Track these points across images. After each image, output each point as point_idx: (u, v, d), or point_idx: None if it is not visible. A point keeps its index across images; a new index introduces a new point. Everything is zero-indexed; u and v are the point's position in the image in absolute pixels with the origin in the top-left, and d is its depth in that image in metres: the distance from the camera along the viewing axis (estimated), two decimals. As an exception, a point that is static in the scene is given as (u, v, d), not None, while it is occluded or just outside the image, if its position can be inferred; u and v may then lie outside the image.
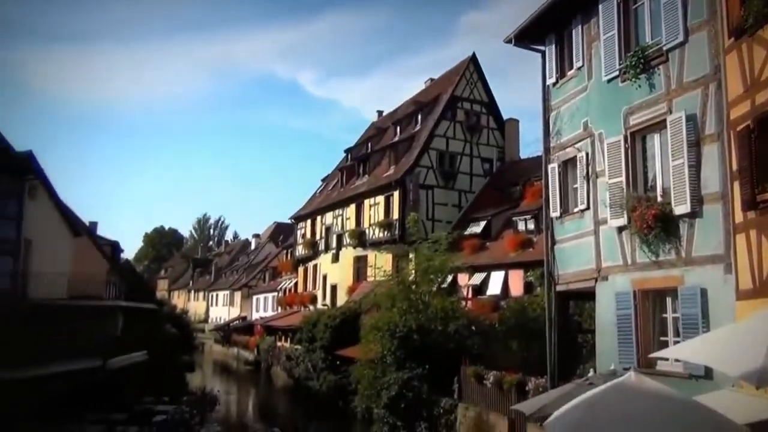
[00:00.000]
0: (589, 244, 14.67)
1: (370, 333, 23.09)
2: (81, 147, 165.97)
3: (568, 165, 15.95)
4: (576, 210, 15.36)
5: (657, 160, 12.93)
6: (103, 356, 18.35)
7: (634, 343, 12.91)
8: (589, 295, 15.43)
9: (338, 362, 29.13)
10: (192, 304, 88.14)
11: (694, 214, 11.69)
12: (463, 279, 26.48)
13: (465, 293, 26.42)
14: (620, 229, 13.52)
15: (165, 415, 17.63)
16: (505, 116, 37.83)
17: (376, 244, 34.34)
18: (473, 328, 21.94)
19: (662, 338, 12.62)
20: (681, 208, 11.86)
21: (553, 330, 15.76)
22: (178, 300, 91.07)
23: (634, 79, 13.22)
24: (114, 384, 21.46)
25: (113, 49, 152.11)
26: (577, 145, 15.40)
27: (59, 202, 27.61)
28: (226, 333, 67.30)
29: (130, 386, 23.49)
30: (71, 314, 20.72)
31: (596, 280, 14.40)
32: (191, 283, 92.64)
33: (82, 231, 32.21)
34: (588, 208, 14.81)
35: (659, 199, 12.61)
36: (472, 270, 26.22)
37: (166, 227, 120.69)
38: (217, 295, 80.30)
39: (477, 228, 29.93)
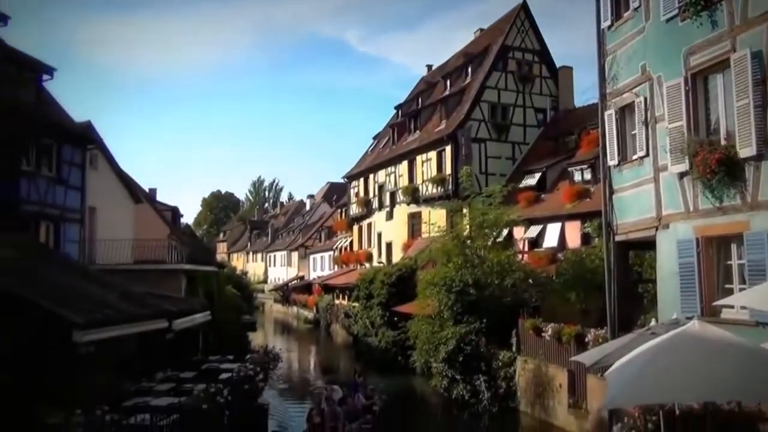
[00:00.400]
0: (649, 192, 14.27)
1: (427, 288, 23.21)
2: (136, 116, 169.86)
3: (625, 111, 15.45)
4: (635, 157, 14.92)
5: (720, 102, 12.40)
6: (168, 318, 18.93)
7: (697, 291, 12.61)
8: (649, 245, 15.10)
9: (396, 318, 29.46)
10: (250, 266, 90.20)
11: (761, 156, 11.19)
12: (518, 232, 26.26)
13: (521, 246, 26.22)
14: (681, 176, 13.09)
15: (230, 373, 18.15)
16: (558, 64, 36.82)
17: (430, 201, 34.25)
18: (530, 281, 21.83)
19: (727, 286, 12.29)
20: (746, 151, 11.38)
21: (612, 280, 15.49)
22: (237, 262, 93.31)
23: (694, 17, 12.60)
24: (180, 344, 22.24)
25: (162, 17, 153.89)
26: (634, 90, 14.87)
27: (119, 171, 28.41)
28: (285, 293, 68.81)
29: (195, 346, 24.33)
30: (137, 278, 21.44)
31: (657, 229, 14.04)
32: (249, 245, 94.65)
33: (143, 198, 33.16)
34: (647, 154, 14.37)
35: (723, 142, 12.12)
36: (528, 223, 25.95)
37: (223, 191, 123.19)
38: (274, 256, 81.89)
39: (532, 180, 29.48)
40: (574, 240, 23.85)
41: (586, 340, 16.37)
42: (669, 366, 7.71)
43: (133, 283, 20.24)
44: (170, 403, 13.98)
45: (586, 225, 23.08)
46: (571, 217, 24.24)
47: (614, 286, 15.52)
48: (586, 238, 23.22)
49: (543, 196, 27.83)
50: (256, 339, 35.96)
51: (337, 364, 35.57)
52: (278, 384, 25.46)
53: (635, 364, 8.30)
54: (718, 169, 11.83)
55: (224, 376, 17.94)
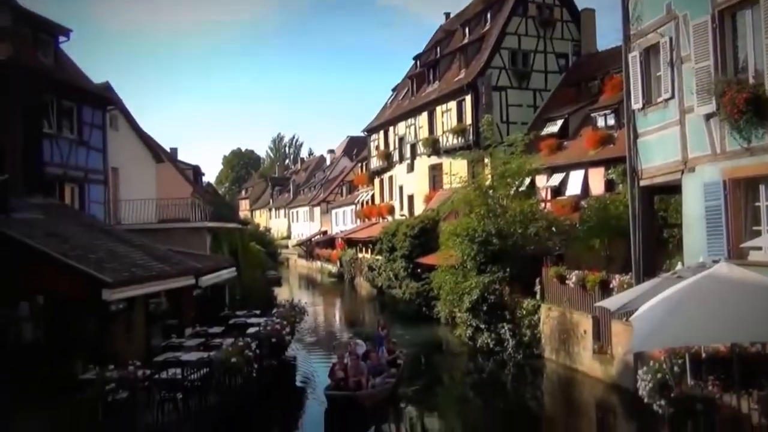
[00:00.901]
0: (675, 135, 13.97)
1: (449, 239, 23.22)
2: (154, 76, 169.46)
3: (650, 52, 15.04)
4: (660, 100, 14.58)
5: (748, 40, 12.00)
6: (195, 275, 19.20)
7: (724, 234, 12.43)
8: (674, 189, 14.88)
9: (419, 270, 29.61)
10: (273, 222, 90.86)
11: (791, 94, 10.87)
12: (540, 181, 26.03)
13: (543, 195, 26.03)
14: (708, 117, 12.78)
15: (257, 327, 18.44)
16: (579, 7, 35.82)
17: (451, 151, 33.98)
18: (553, 229, 21.72)
19: (754, 228, 12.10)
20: (776, 89, 11.05)
21: (637, 226, 15.33)
22: (260, 219, 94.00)
23: (721, -49, 12.11)
24: (208, 300, 22.62)
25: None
26: (659, 30, 14.43)
27: (140, 131, 28.53)
28: (309, 248, 69.36)
29: (222, 302, 24.74)
30: (162, 237, 21.70)
31: (683, 172, 13.79)
32: (271, 201, 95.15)
33: (164, 157, 33.33)
34: (672, 96, 14.02)
35: (751, 81, 11.78)
36: (550, 171, 25.69)
37: (243, 149, 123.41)
38: (297, 212, 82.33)
39: (554, 127, 29.05)
40: (597, 187, 23.59)
41: (611, 286, 16.33)
42: (695, 308, 7.66)
43: (158, 242, 20.49)
44: (200, 358, 14.26)
45: (609, 171, 22.77)
46: (595, 163, 23.93)
47: (639, 231, 15.37)
48: (609, 185, 22.94)
49: (565, 143, 27.45)
50: (282, 294, 36.46)
51: (362, 317, 35.98)
52: (305, 337, 25.86)
53: (661, 307, 8.26)
54: (746, 109, 11.52)
55: (251, 330, 18.23)
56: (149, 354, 17.19)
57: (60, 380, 12.74)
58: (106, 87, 26.44)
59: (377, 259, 37.99)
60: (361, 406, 14.84)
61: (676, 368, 10.10)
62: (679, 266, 11.89)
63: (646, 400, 10.43)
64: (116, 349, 15.11)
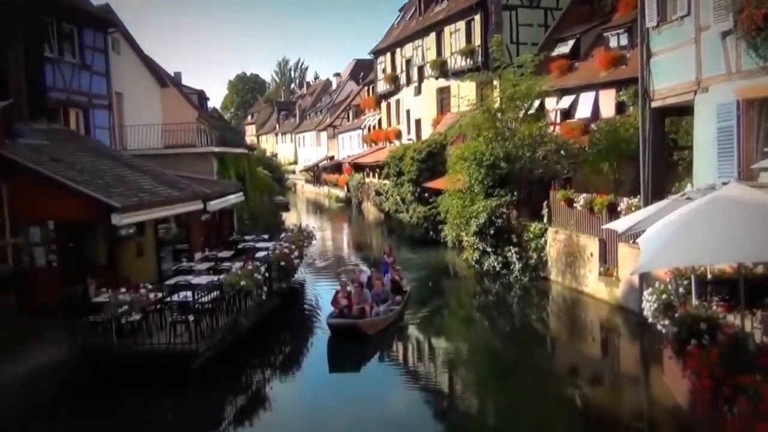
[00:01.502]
0: (689, 54, 13.60)
1: (457, 163, 23.09)
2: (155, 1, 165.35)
3: (666, -33, 14.46)
4: (675, 17, 14.12)
5: (770, -48, 11.46)
6: (203, 200, 19.26)
7: (734, 155, 12.27)
8: (686, 110, 14.62)
9: (426, 194, 29.61)
10: (280, 147, 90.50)
11: (811, 10, 10.47)
12: (550, 103, 25.60)
13: (553, 118, 25.65)
14: (724, 35, 12.39)
15: (266, 252, 18.61)
16: None
17: (459, 74, 33.28)
18: (562, 152, 21.49)
19: (766, 149, 11.92)
20: (796, 5, 10.65)
21: (647, 148, 15.16)
22: (266, 144, 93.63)
23: None
24: (216, 225, 22.80)
25: None
26: (676, -57, 13.84)
27: (142, 55, 28.02)
28: (316, 173, 69.34)
29: (231, 226, 24.92)
30: (169, 163, 21.66)
31: (696, 93, 13.51)
32: (277, 126, 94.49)
33: (168, 82, 32.88)
34: (688, 13, 13.57)
35: (771, -4, 11.33)
36: (560, 93, 25.21)
37: (248, 73, 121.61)
38: (303, 137, 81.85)
39: (565, 48, 28.30)
40: (608, 109, 23.19)
41: (619, 209, 16.29)
42: (703, 229, 7.64)
43: (164, 167, 20.47)
44: (210, 281, 14.48)
45: (621, 93, 22.32)
46: (606, 85, 23.44)
47: (649, 154, 15.22)
48: (620, 107, 22.55)
49: (576, 64, 26.82)
50: (290, 218, 36.71)
51: (369, 241, 36.29)
52: (313, 261, 26.16)
53: (669, 228, 8.26)
54: (764, 26, 11.13)
55: (260, 254, 18.41)
56: (160, 278, 17.49)
57: (74, 303, 13.02)
58: (106, 9, 25.82)
59: (384, 184, 37.95)
60: (363, 334, 14.61)
61: (681, 289, 10.20)
62: (688, 188, 11.80)
63: (650, 320, 10.58)
64: (128, 273, 15.36)
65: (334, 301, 15.43)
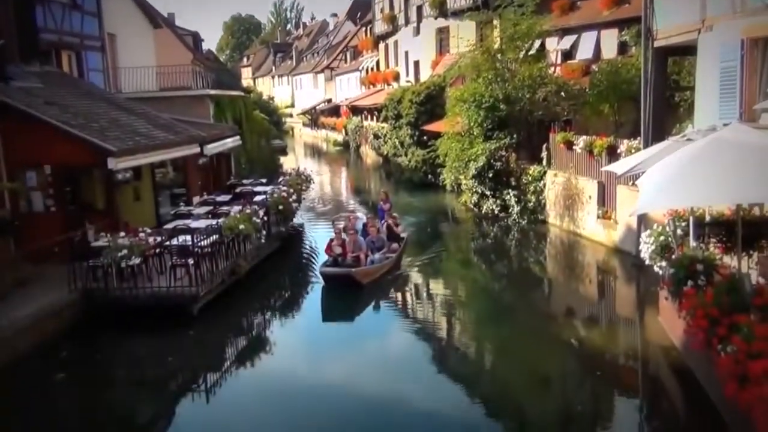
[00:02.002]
0: (694, -8, 13.27)
1: (456, 106, 22.84)
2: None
3: None
4: (680, -47, 13.72)
5: None
6: (199, 143, 19.12)
7: (737, 96, 12.10)
8: (689, 50, 14.38)
9: (425, 137, 29.40)
10: (277, 90, 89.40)
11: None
12: (551, 44, 25.15)
13: (553, 59, 25.23)
14: (731, -29, 12.06)
15: (264, 195, 18.60)
16: None
17: (458, 13, 32.54)
18: (562, 94, 21.23)
19: (769, 90, 11.76)
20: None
21: (649, 89, 14.95)
22: (263, 87, 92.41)
23: None
24: (214, 169, 22.69)
25: None
26: None
27: (134, -6, 27.33)
28: (313, 116, 68.74)
29: (228, 170, 24.83)
30: (164, 106, 21.41)
31: (700, 32, 13.23)
32: (273, 69, 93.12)
33: (162, 22, 32.19)
34: (694, -51, 13.18)
35: (781, -71, 10.98)
36: (562, 33, 24.73)
37: (243, 14, 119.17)
38: (300, 80, 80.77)
39: (566, -14, 27.62)
40: (610, 50, 22.80)
41: (619, 151, 16.18)
42: (703, 170, 7.59)
43: (160, 110, 20.26)
44: (209, 225, 14.49)
45: (623, 33, 21.91)
46: (608, 24, 22.97)
47: (650, 95, 15.01)
48: (622, 48, 22.16)
49: (578, 3, 26.20)
50: (287, 162, 36.55)
51: (368, 185, 36.24)
52: (311, 205, 26.16)
53: (669, 169, 8.21)
54: (772, -38, 10.84)
55: (258, 198, 18.40)
56: (158, 222, 17.51)
57: (75, 247, 13.04)
58: (96, -54, 25.04)
59: (383, 127, 37.66)
60: (358, 283, 14.16)
61: (679, 231, 10.21)
62: (689, 129, 11.70)
63: (647, 262, 10.64)
64: (126, 217, 15.35)
65: (328, 249, 14.89)
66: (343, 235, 15.14)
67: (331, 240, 15.11)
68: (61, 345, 11.33)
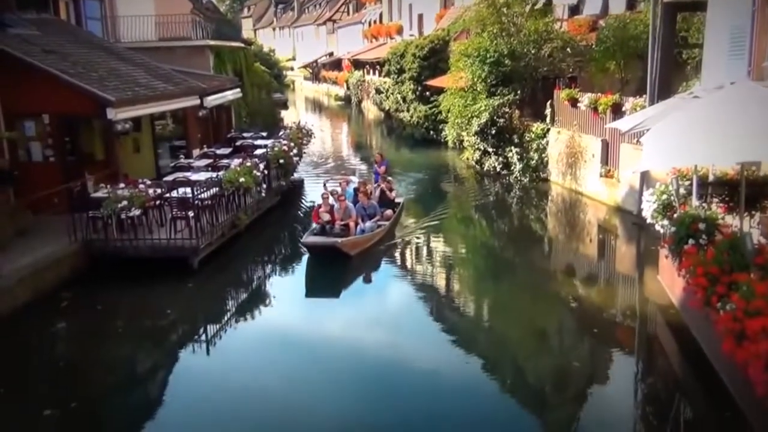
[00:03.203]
0: (707, -55, 12.92)
1: (460, 60, 22.50)
2: None
3: None
4: None
5: None
6: (199, 95, 18.92)
7: (746, 54, 11.85)
8: (700, 5, 14.07)
9: (428, 92, 29.11)
10: (278, 43, 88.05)
11: None
12: (558, -3, 24.66)
13: (560, 13, 24.75)
14: (746, -77, 11.70)
15: (264, 149, 18.47)
16: None
17: (463, -34, 31.93)
18: (568, 50, 20.90)
19: (780, 48, 11.53)
20: None
21: (656, 45, 14.68)
22: (264, 39, 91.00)
23: None
24: (214, 121, 22.50)
25: None
26: None
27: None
28: (315, 70, 67.96)
29: (229, 123, 24.61)
30: (163, 56, 21.10)
31: (711, -14, 12.94)
32: (275, 21, 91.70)
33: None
34: None
35: None
36: (569, -14, 24.22)
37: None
38: (302, 32, 79.61)
39: (575, -62, 26.95)
40: (618, 5, 22.32)
41: (623, 109, 16.01)
42: (708, 128, 7.48)
43: (159, 61, 19.98)
44: (209, 178, 14.41)
45: (632, -13, 21.49)
46: (617, -22, 22.49)
47: (658, 51, 14.75)
48: (631, 3, 21.70)
49: (587, -44, 25.64)
50: (288, 117, 36.25)
51: (369, 140, 36.03)
52: (312, 160, 26.04)
53: (673, 127, 8.10)
54: None
55: (259, 152, 18.28)
56: (158, 174, 17.44)
57: (73, 199, 13.01)
58: None
59: (385, 82, 37.24)
60: (345, 254, 13.00)
61: (682, 190, 10.13)
62: (695, 87, 11.52)
63: (649, 220, 10.59)
64: (125, 169, 15.27)
65: (315, 216, 13.83)
66: (332, 201, 14.04)
67: (318, 206, 14.08)
68: (62, 295, 11.37)
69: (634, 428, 7.49)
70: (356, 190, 15.41)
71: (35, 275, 11.18)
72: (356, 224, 13.90)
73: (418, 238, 15.63)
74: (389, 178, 17.26)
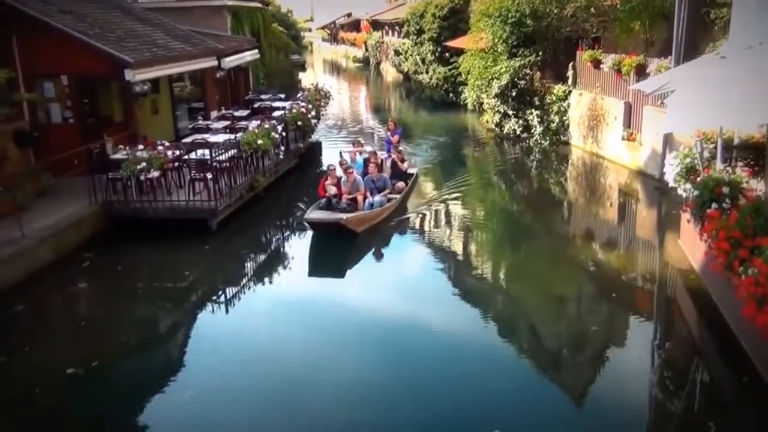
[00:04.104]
0: None
1: (481, 21, 22.12)
2: None
3: None
4: None
5: None
6: (217, 56, 18.81)
7: (778, 13, 11.51)
8: (730, -38, 13.58)
9: (447, 54, 28.74)
10: (295, 3, 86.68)
11: None
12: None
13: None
14: None
15: (282, 111, 18.37)
16: None
17: None
18: (592, 10, 20.38)
19: (813, 6, 11.14)
20: None
21: (683, 5, 14.23)
22: (282, 0, 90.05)
23: None
24: (232, 83, 22.41)
25: None
26: None
27: None
28: (333, 31, 67.33)
29: (246, 85, 24.50)
30: (181, 17, 20.94)
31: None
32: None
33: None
34: None
35: None
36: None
37: None
38: (321, -7, 78.58)
39: None
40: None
41: (648, 70, 15.68)
42: (735, 90, 7.30)
43: (177, 21, 19.85)
44: (227, 140, 14.38)
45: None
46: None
47: (685, 11, 14.32)
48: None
49: None
50: (306, 78, 36.03)
51: (387, 103, 35.75)
52: (329, 123, 25.91)
53: (700, 88, 7.92)
54: None
55: (277, 114, 18.19)
56: (177, 136, 17.46)
57: (92, 160, 13.07)
58: None
59: (404, 43, 36.79)
60: (351, 231, 12.11)
61: (706, 153, 9.95)
62: (723, 47, 11.21)
63: (671, 184, 10.44)
64: (144, 130, 15.28)
65: (321, 189, 12.99)
66: (339, 173, 13.25)
67: (325, 177, 13.25)
68: (83, 255, 11.51)
69: (652, 392, 7.47)
70: (366, 160, 14.49)
71: (57, 236, 11.31)
72: (365, 198, 13.04)
73: (434, 207, 14.95)
74: (400, 148, 16.23)
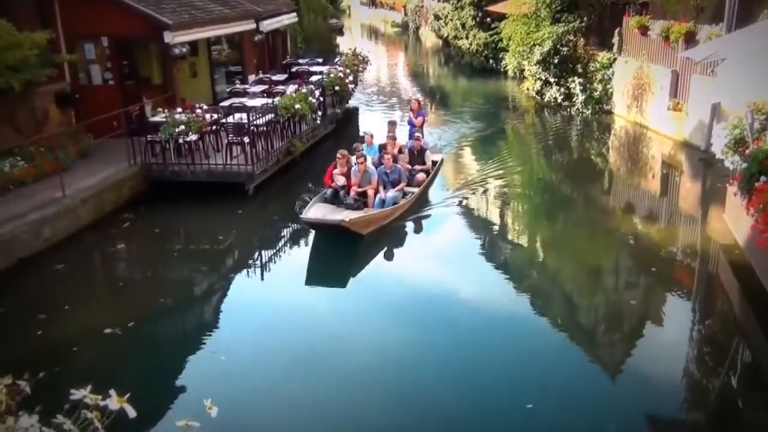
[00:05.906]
0: None
1: (524, -16, 21.57)
2: None
3: None
4: None
5: None
6: (255, 19, 18.71)
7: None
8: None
9: (488, 19, 28.13)
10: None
11: None
12: None
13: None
14: None
15: (320, 75, 18.24)
16: None
17: None
18: (640, -27, 19.72)
19: None
20: None
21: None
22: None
23: None
24: (270, 46, 22.30)
25: None
26: None
27: None
28: (372, -5, 66.39)
29: (284, 48, 24.36)
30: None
31: None
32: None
33: None
34: None
35: None
36: None
37: None
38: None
39: None
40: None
41: (697, 38, 15.10)
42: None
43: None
44: (264, 104, 14.34)
45: None
46: None
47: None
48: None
49: None
50: (344, 43, 35.71)
51: (426, 69, 35.30)
52: (367, 88, 25.70)
53: (752, 57, 7.58)
54: None
55: (314, 78, 18.07)
56: (214, 100, 17.48)
57: (131, 122, 13.18)
58: None
59: (444, 7, 36.09)
60: (355, 234, 10.35)
61: (756, 124, 9.57)
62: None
63: (718, 156, 10.10)
64: (182, 93, 15.34)
65: (328, 178, 11.41)
66: (351, 163, 11.51)
67: (334, 165, 11.54)
68: (122, 217, 11.67)
69: (689, 369, 7.32)
70: (381, 147, 12.87)
71: (97, 197, 11.47)
72: (376, 192, 11.20)
73: (464, 193, 13.39)
74: (417, 135, 13.58)
